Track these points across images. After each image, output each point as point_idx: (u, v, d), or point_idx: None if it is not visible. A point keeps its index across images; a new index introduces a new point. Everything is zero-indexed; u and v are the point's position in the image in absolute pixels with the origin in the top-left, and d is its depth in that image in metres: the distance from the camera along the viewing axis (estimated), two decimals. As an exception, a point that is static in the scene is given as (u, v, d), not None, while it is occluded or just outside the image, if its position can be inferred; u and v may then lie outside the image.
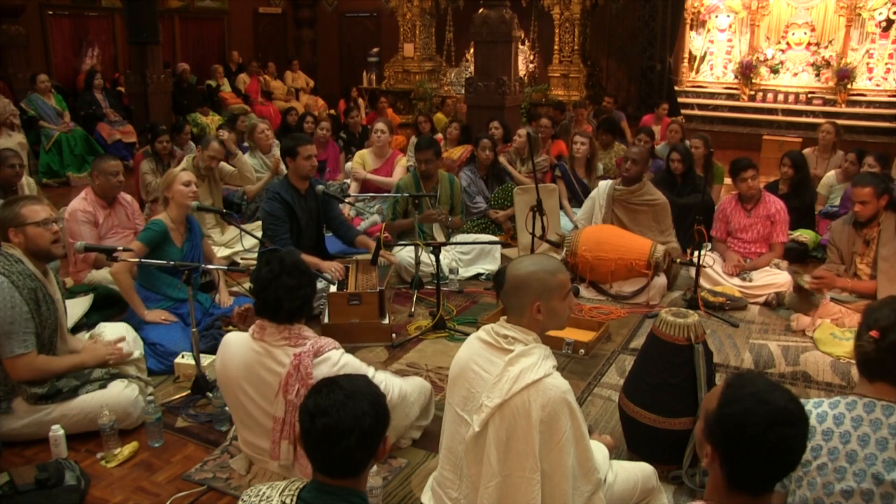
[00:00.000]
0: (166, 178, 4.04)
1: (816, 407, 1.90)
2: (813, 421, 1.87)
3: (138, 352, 3.40)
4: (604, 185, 5.09)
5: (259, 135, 6.27)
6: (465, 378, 2.14)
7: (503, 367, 2.03)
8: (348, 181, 6.53)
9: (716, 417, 1.47)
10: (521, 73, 11.35)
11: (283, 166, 5.96)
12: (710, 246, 4.87)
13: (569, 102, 10.34)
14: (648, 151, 5.13)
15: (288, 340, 2.42)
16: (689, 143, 6.20)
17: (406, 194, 4.84)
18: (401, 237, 5.00)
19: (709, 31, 11.66)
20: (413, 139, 7.88)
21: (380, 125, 6.33)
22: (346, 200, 5.27)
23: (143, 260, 3.53)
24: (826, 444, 1.85)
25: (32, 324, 2.83)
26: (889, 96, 10.33)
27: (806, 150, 6.72)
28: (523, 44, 11.86)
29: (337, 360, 2.47)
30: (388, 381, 2.75)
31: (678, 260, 4.72)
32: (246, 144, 6.70)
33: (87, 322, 3.90)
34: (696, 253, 4.41)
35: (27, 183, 5.33)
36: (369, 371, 2.62)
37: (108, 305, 4.19)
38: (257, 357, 2.42)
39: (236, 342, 2.52)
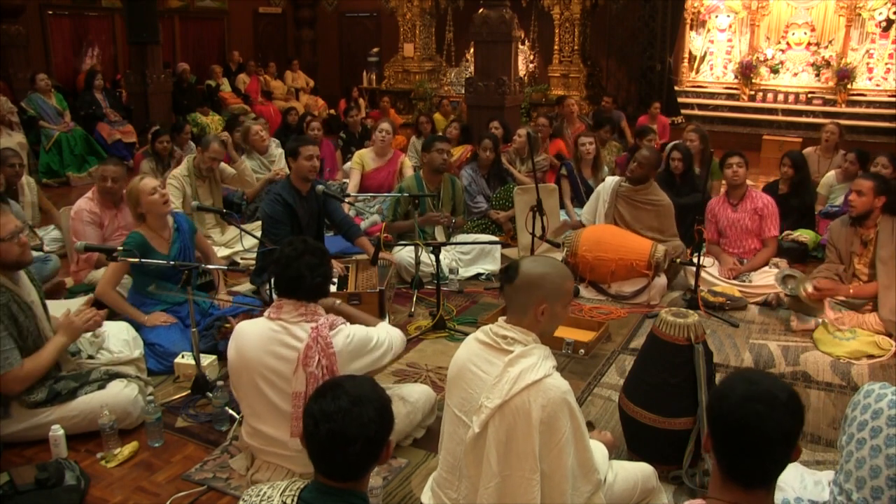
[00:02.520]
0: (131, 195, 3.78)
1: (878, 399, 1.92)
2: (856, 411, 1.93)
3: (138, 352, 3.40)
4: (610, 181, 5.10)
5: (254, 137, 6.29)
6: (464, 379, 2.14)
7: (503, 368, 2.03)
8: (347, 181, 6.53)
9: (711, 392, 1.51)
10: (521, 73, 11.35)
11: (283, 172, 5.97)
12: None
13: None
14: (657, 156, 5.03)
15: (304, 317, 2.47)
16: (684, 136, 6.20)
17: (407, 194, 4.84)
18: (401, 237, 5.00)
19: (709, 31, 11.67)
20: (413, 139, 7.89)
21: (385, 125, 6.29)
22: (347, 200, 5.28)
23: (143, 260, 3.50)
24: (857, 433, 1.90)
25: (10, 340, 2.73)
26: (889, 96, 10.32)
27: (806, 150, 6.72)
28: (523, 44, 11.85)
29: (349, 333, 2.53)
30: (388, 335, 2.73)
31: (678, 259, 4.72)
32: (243, 146, 6.72)
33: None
34: (695, 253, 4.41)
35: (27, 183, 5.33)
36: (373, 334, 2.65)
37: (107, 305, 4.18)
38: (275, 335, 2.46)
39: (251, 326, 2.55)
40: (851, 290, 4.09)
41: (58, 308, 3.29)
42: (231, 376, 2.59)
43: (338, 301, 2.98)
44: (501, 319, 2.15)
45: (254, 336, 2.49)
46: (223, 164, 5.60)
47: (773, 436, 1.44)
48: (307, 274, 2.47)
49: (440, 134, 7.35)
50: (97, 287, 3.82)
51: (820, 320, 4.09)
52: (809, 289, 4.05)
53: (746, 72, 11.09)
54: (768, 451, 1.45)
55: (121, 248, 3.48)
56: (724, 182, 5.06)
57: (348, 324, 2.58)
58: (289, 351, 2.43)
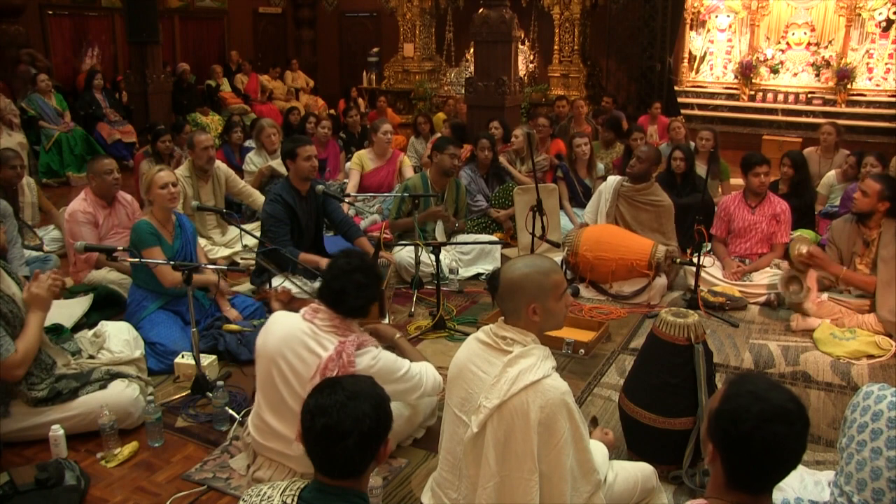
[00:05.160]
0: (146, 181, 3.96)
1: (878, 401, 1.92)
2: (855, 413, 1.94)
3: (139, 352, 3.40)
4: (612, 180, 5.11)
5: (266, 138, 6.31)
6: (464, 379, 2.14)
7: (502, 369, 2.03)
8: (347, 181, 6.53)
9: (714, 413, 1.50)
10: (521, 73, 11.34)
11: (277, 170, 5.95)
12: (709, 246, 4.88)
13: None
14: (656, 153, 5.07)
15: (337, 329, 2.48)
16: (698, 136, 6.22)
17: (410, 195, 4.83)
18: (401, 237, 5.00)
19: (709, 31, 11.66)
20: (413, 139, 7.89)
21: (388, 126, 6.31)
22: (347, 200, 5.27)
23: (143, 259, 3.51)
24: (857, 435, 1.90)
25: (1, 328, 2.73)
26: (889, 96, 10.32)
27: (806, 150, 6.71)
28: (523, 44, 11.85)
29: (376, 355, 2.53)
30: (423, 374, 2.72)
31: (678, 260, 4.72)
32: (247, 144, 6.71)
33: (88, 322, 3.90)
34: (695, 253, 4.41)
35: (27, 183, 5.34)
36: (405, 365, 2.63)
37: (108, 305, 4.19)
38: (302, 336, 2.46)
39: (284, 319, 2.57)
40: (843, 272, 4.11)
41: (56, 307, 3.27)
42: (256, 360, 2.61)
43: (398, 334, 2.99)
44: (501, 320, 2.15)
45: (283, 329, 2.51)
46: (233, 175, 5.55)
47: (793, 451, 1.45)
48: (352, 292, 2.47)
49: (438, 134, 7.35)
50: (167, 284, 3.76)
51: (819, 321, 4.09)
52: (804, 250, 4.05)
53: (746, 72, 11.09)
54: (785, 465, 1.46)
55: (123, 248, 3.48)
56: (730, 183, 5.06)
57: (379, 346, 2.57)
58: (311, 356, 2.44)
